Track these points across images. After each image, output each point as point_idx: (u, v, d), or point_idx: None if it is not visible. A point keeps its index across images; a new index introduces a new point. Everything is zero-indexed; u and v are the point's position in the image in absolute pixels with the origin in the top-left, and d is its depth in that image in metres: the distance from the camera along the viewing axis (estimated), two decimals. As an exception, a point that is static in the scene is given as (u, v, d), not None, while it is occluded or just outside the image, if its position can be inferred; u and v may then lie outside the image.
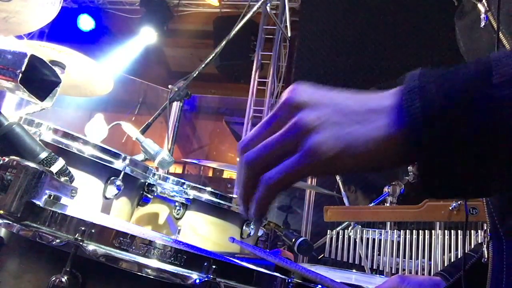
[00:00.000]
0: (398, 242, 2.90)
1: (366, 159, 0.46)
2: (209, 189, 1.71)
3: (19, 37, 1.60)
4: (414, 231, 2.87)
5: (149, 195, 1.54)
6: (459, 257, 2.72)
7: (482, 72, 0.43)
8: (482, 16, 0.81)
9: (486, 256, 0.81)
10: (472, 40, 0.91)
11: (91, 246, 0.67)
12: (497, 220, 0.78)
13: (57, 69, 1.52)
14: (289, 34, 3.59)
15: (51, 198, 0.77)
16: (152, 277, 0.67)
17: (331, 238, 3.07)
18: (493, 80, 0.42)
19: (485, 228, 0.81)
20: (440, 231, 2.77)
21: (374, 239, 2.97)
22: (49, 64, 0.89)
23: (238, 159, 0.55)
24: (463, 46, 0.97)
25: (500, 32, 0.77)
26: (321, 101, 0.50)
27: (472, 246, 2.93)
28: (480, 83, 0.42)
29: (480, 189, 0.45)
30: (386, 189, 3.13)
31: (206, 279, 0.68)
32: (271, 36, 5.90)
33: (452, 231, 2.75)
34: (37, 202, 0.73)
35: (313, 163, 0.47)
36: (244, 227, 1.74)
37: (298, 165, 0.48)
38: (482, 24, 0.80)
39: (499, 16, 0.74)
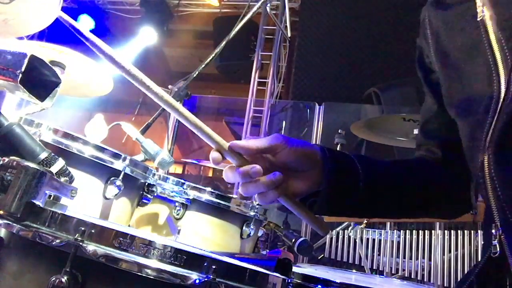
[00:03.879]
0: (398, 242, 2.90)
1: None
2: (209, 189, 1.71)
3: (19, 38, 1.59)
4: (414, 231, 2.87)
5: (149, 195, 1.54)
6: (459, 257, 2.71)
7: None
8: (480, 9, 0.87)
9: (498, 250, 0.81)
10: (456, 32, 0.93)
11: (91, 246, 0.67)
12: (509, 213, 0.78)
13: (57, 69, 1.52)
14: (289, 34, 3.59)
15: (51, 198, 0.77)
16: (152, 277, 0.67)
17: (331, 238, 3.07)
18: None
19: (495, 223, 0.81)
20: (440, 231, 2.76)
21: (374, 239, 2.97)
22: (49, 64, 0.89)
23: None
24: (432, 35, 1.01)
25: (489, 27, 0.83)
26: None
27: (472, 246, 2.92)
28: None
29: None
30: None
31: (206, 279, 0.68)
32: (271, 36, 5.90)
33: (452, 231, 2.74)
34: (37, 203, 0.74)
35: None
36: (244, 227, 1.74)
37: None
38: (478, 17, 0.87)
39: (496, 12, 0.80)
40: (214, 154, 0.81)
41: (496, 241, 0.81)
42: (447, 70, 0.96)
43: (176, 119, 2.38)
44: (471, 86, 0.88)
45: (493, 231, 0.81)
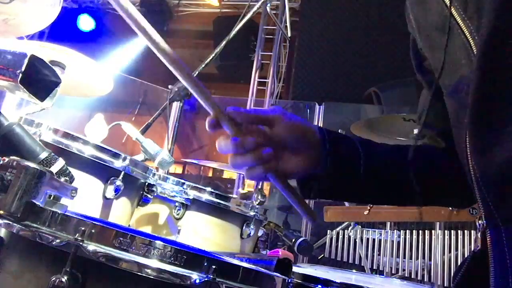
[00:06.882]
0: (398, 242, 2.90)
1: None
2: (209, 189, 1.71)
3: (19, 38, 1.59)
4: (414, 231, 2.87)
5: (149, 195, 1.54)
6: (459, 257, 2.71)
7: None
8: None
9: (479, 244, 0.76)
10: (424, 13, 0.90)
11: (91, 246, 0.67)
12: (493, 206, 0.71)
13: (57, 69, 1.51)
14: (289, 34, 3.59)
15: (51, 198, 0.77)
16: (152, 277, 0.67)
17: (331, 238, 3.07)
18: None
19: (480, 214, 0.74)
20: (440, 231, 2.76)
21: (374, 239, 2.97)
22: (49, 64, 0.89)
23: None
24: (414, 20, 0.97)
25: (452, 7, 0.79)
26: None
27: (472, 246, 2.93)
28: None
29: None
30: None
31: (206, 279, 0.68)
32: (271, 36, 5.89)
33: (452, 231, 2.75)
34: (37, 203, 0.74)
35: None
36: (244, 227, 1.74)
37: None
38: None
39: None
40: (211, 120, 0.80)
41: (479, 235, 0.76)
42: (434, 53, 0.92)
43: (176, 119, 2.38)
44: (456, 66, 0.82)
45: (478, 222, 0.76)
